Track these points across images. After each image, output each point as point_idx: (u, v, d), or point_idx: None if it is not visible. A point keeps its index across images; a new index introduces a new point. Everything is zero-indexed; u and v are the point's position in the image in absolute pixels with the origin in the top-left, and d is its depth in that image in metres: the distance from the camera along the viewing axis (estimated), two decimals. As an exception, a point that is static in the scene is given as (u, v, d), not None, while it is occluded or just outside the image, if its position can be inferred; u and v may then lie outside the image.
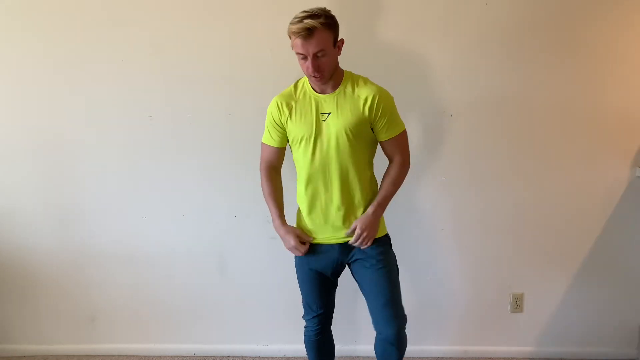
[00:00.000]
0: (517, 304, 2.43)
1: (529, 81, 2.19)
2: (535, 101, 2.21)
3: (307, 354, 2.04)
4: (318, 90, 1.74)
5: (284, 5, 2.16)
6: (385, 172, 1.84)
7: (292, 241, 1.81)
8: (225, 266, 2.45)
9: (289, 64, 2.20)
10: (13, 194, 2.40)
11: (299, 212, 1.89)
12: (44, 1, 2.19)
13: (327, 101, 1.72)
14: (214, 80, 2.24)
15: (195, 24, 2.19)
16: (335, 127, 1.71)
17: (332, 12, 1.64)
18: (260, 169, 1.90)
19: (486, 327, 2.48)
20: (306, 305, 1.95)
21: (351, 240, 1.79)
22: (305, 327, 1.99)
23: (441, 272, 2.42)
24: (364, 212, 1.80)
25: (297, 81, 1.81)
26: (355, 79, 1.75)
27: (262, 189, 1.88)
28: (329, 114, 1.72)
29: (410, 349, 2.41)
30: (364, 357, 2.48)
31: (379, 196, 1.80)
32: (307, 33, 1.55)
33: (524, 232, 2.35)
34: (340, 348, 2.18)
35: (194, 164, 2.33)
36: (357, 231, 1.76)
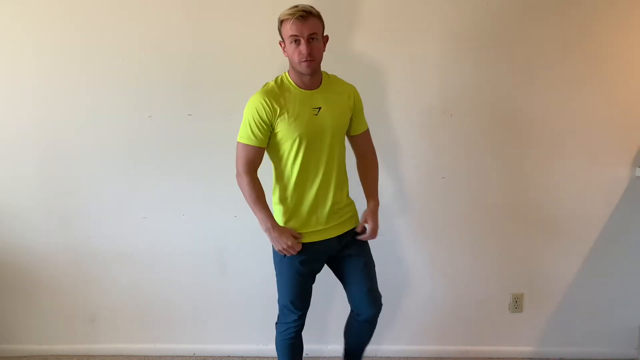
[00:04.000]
0: (517, 304, 2.43)
1: (528, 81, 2.19)
2: (535, 101, 2.21)
3: (284, 357, 1.98)
4: (303, 86, 1.75)
5: (283, 5, 2.17)
6: (364, 166, 1.90)
7: (288, 241, 1.75)
8: (225, 266, 2.45)
9: (288, 64, 2.20)
10: (13, 194, 2.40)
11: (283, 211, 1.82)
12: (44, 2, 2.19)
13: (315, 96, 1.75)
14: (214, 80, 2.24)
15: (195, 24, 2.19)
16: (330, 120, 1.74)
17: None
18: (240, 173, 1.77)
19: (486, 327, 2.48)
20: (290, 305, 1.90)
21: (365, 235, 1.84)
22: (285, 330, 1.94)
23: (441, 272, 2.42)
24: (347, 203, 1.86)
25: (276, 78, 1.79)
26: (330, 76, 1.83)
27: (247, 193, 1.77)
28: (319, 108, 1.74)
29: (411, 349, 2.42)
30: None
31: (372, 190, 1.88)
32: (303, 14, 1.62)
33: (524, 232, 2.35)
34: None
35: (194, 163, 2.33)
36: (372, 225, 1.82)
